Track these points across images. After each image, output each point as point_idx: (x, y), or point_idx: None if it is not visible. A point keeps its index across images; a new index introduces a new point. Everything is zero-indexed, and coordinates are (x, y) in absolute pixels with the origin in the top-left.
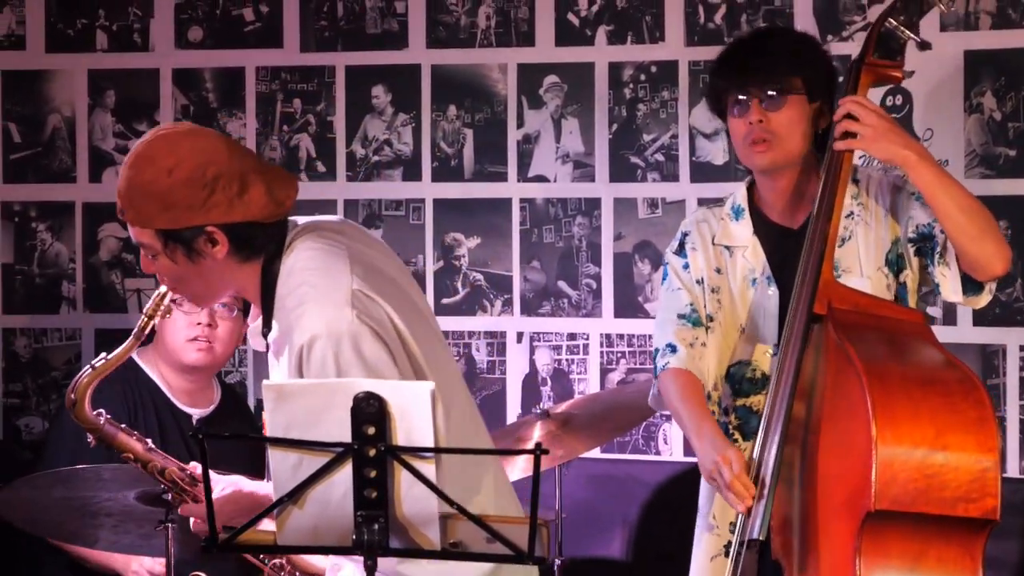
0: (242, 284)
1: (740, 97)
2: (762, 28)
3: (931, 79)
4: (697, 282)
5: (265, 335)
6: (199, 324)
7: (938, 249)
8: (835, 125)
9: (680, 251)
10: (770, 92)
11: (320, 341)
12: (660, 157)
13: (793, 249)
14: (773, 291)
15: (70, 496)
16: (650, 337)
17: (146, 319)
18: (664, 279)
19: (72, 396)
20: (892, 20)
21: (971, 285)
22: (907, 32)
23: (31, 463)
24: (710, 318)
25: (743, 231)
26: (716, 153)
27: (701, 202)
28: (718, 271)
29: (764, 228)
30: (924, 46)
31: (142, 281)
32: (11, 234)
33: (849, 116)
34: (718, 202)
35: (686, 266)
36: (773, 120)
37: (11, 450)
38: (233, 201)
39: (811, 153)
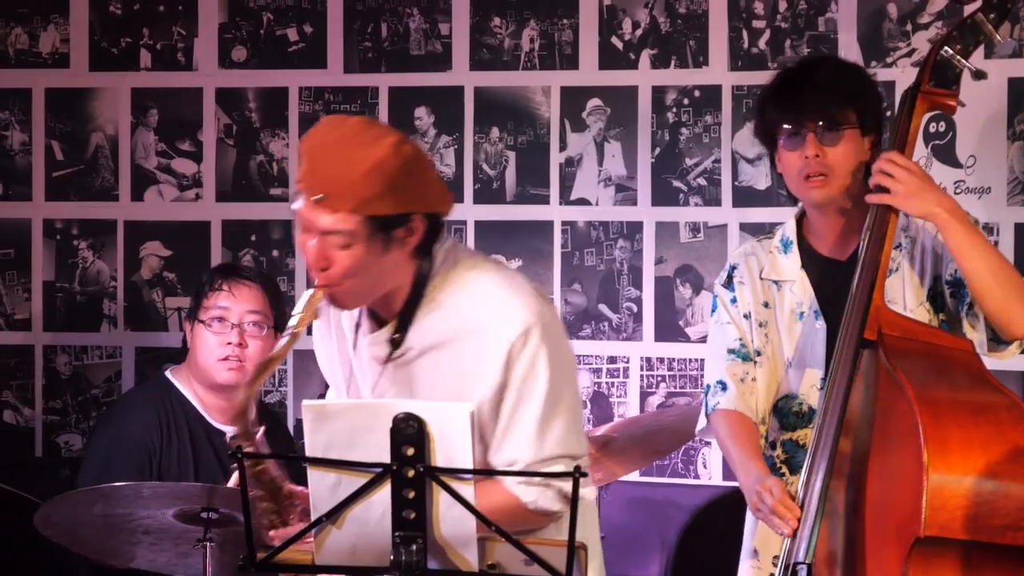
0: (399, 283)
1: (795, 130)
2: (811, 58)
3: (975, 107)
4: (745, 316)
5: (398, 341)
6: (229, 344)
7: (967, 300)
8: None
9: (728, 284)
10: (827, 126)
11: (536, 330)
12: (702, 181)
13: (841, 281)
14: (821, 325)
15: (109, 513)
16: (691, 361)
17: (299, 320)
18: (713, 311)
19: (243, 397)
20: (949, 48)
21: (999, 340)
22: (963, 61)
23: (70, 480)
24: (758, 352)
25: (791, 265)
26: (759, 178)
27: (743, 227)
28: (766, 305)
29: (812, 261)
30: (979, 75)
31: (182, 300)
32: (53, 252)
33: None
34: (767, 234)
35: (734, 300)
36: (829, 155)
37: (50, 467)
38: (441, 189)
39: (863, 185)
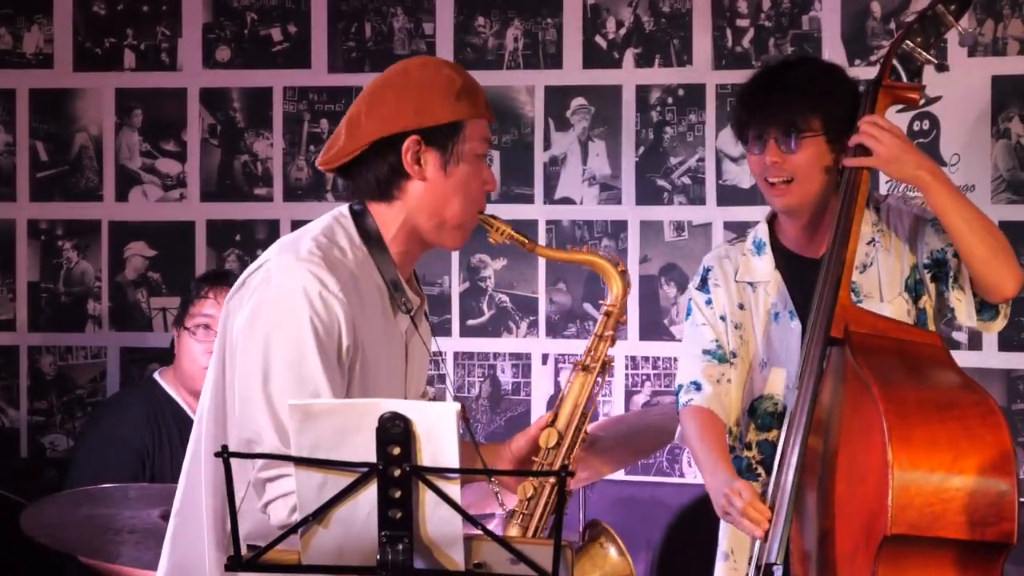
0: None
1: (757, 134)
2: (787, 59)
3: (958, 104)
4: (720, 318)
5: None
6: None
7: (952, 273)
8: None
9: (703, 287)
10: (786, 132)
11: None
12: (687, 180)
13: (814, 280)
14: (795, 325)
15: (94, 514)
16: (676, 360)
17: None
18: (688, 314)
19: None
20: (909, 42)
21: (986, 309)
22: (924, 54)
23: (55, 481)
24: (733, 354)
25: (765, 266)
26: (743, 176)
27: (727, 225)
28: (741, 307)
29: (786, 261)
30: (942, 68)
31: (167, 300)
32: (37, 252)
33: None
34: (740, 236)
35: (709, 302)
36: (789, 161)
37: (36, 468)
38: None
39: (833, 185)
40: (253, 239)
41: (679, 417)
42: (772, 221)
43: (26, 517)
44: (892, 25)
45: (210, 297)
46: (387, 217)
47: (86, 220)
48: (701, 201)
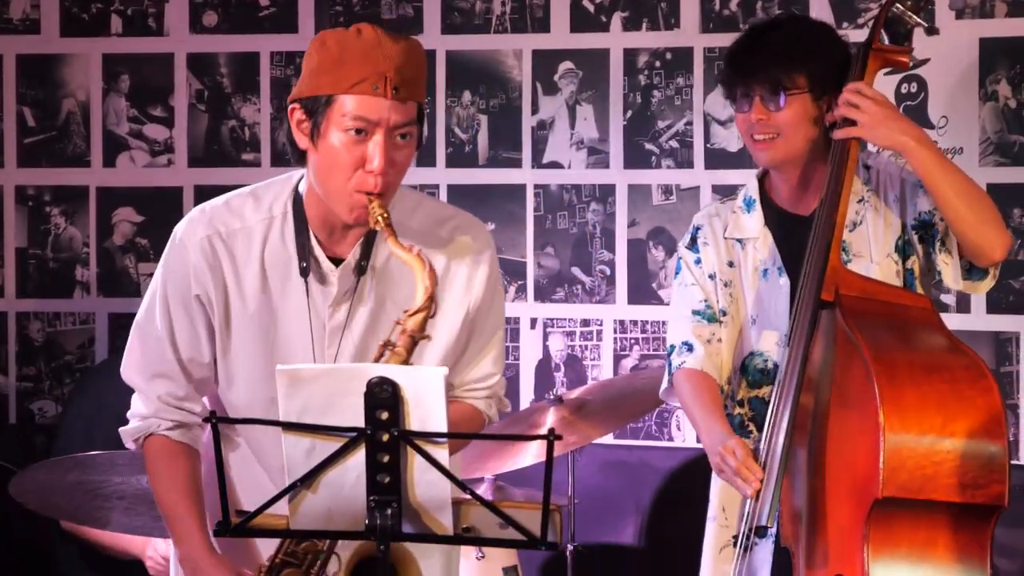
0: None
1: (744, 92)
2: (776, 17)
3: (946, 67)
4: (710, 277)
5: (364, 268)
6: None
7: (939, 236)
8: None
9: (692, 245)
10: (772, 90)
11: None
12: (675, 144)
13: (804, 237)
14: (784, 281)
15: (83, 480)
16: (664, 324)
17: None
18: (677, 273)
19: None
20: (899, 5)
21: (974, 270)
22: (914, 17)
23: (44, 447)
24: (723, 312)
25: (754, 223)
26: (731, 140)
27: (715, 189)
28: (730, 264)
29: (776, 217)
30: (932, 31)
31: (155, 266)
32: (25, 218)
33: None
34: (730, 195)
35: (698, 261)
36: (774, 118)
37: (25, 434)
38: None
39: (821, 141)
40: None
41: (671, 379)
42: (763, 179)
43: (15, 484)
44: None
45: None
46: (307, 182)
47: (74, 186)
48: (689, 165)
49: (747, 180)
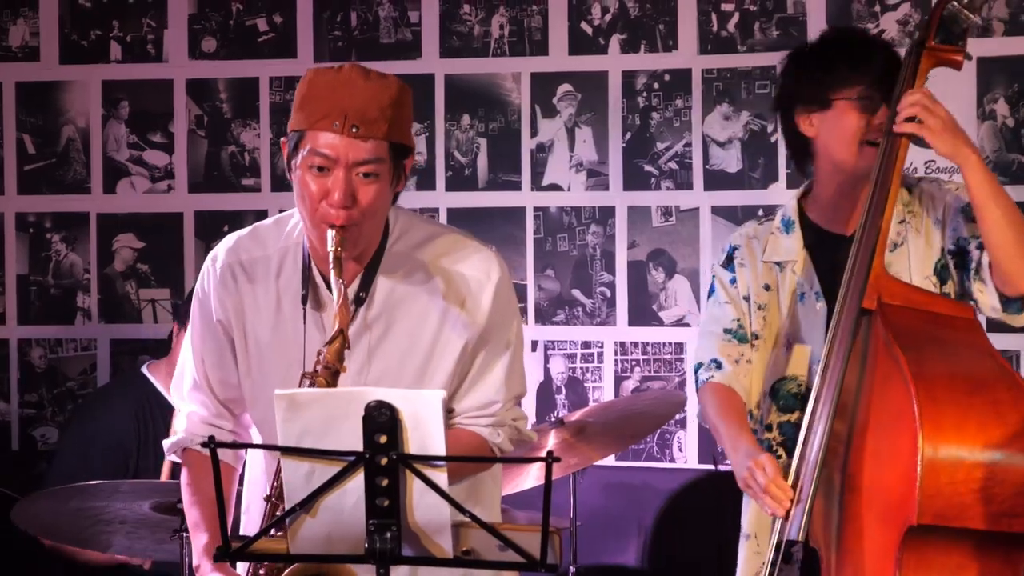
0: (379, 230)
1: (869, 94)
2: (850, 30)
3: (944, 85)
4: (744, 298)
5: (363, 299)
6: None
7: (973, 265)
8: (897, 112)
9: (728, 265)
10: (885, 95)
11: (506, 277)
12: (674, 165)
13: (843, 256)
14: (821, 306)
15: (85, 507)
16: (665, 345)
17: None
18: (711, 293)
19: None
20: (955, 3)
21: (1011, 303)
22: (970, 16)
23: (46, 474)
24: (755, 336)
25: (793, 244)
26: (730, 161)
27: (715, 210)
28: (767, 288)
29: (815, 238)
30: (986, 31)
31: (156, 292)
32: (26, 245)
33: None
34: (769, 216)
35: (733, 280)
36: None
37: (27, 461)
38: None
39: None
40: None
41: (697, 393)
42: (801, 199)
43: (17, 512)
44: (877, 7)
45: None
46: None
47: (74, 213)
48: (688, 186)
49: (746, 201)
